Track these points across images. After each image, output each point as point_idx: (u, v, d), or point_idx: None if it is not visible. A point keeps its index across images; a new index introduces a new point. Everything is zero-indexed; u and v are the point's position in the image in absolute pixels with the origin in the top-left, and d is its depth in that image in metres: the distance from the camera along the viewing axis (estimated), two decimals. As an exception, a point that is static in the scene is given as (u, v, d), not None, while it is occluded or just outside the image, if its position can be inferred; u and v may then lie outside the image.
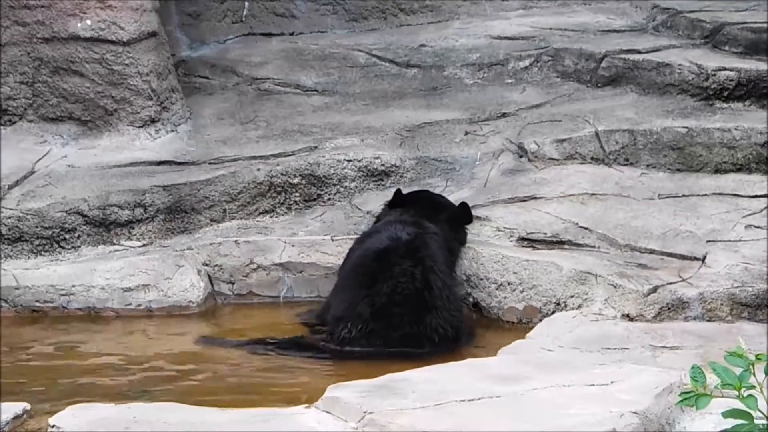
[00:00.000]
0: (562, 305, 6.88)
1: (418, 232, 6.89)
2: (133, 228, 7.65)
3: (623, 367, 5.18)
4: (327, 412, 4.49)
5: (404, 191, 7.49)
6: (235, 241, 7.55)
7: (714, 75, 8.28)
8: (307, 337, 6.89)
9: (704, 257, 6.96)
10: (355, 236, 7.40)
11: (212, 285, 7.43)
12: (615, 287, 6.71)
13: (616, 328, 6.49)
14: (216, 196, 7.78)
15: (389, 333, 6.60)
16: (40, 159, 8.02)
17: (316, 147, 8.12)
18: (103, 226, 7.61)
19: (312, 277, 7.45)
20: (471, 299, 7.16)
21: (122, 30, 8.15)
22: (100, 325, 7.09)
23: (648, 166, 7.83)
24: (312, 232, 7.62)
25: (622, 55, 8.68)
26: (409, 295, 6.65)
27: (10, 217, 7.48)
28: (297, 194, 7.88)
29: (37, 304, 7.22)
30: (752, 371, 4.18)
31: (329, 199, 7.91)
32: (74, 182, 7.79)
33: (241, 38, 9.62)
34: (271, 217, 7.85)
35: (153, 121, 8.28)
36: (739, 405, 4.14)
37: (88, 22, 8.11)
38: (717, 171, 7.74)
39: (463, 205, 7.40)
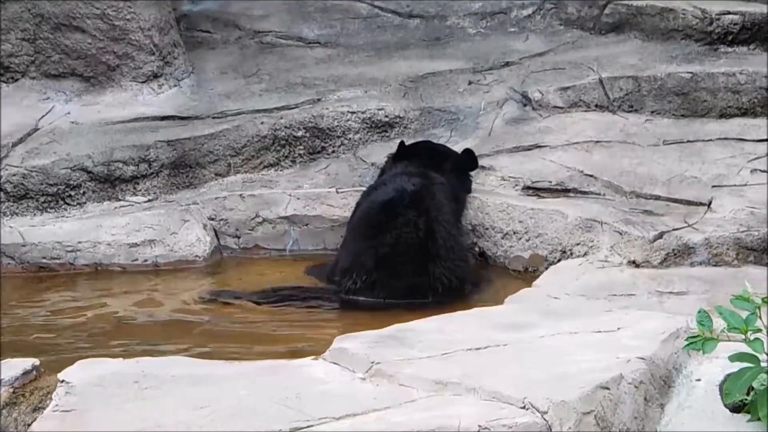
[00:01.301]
0: (568, 253, 6.88)
1: (424, 183, 6.89)
2: (138, 183, 7.66)
3: (630, 313, 5.18)
4: (334, 363, 4.50)
5: (407, 143, 7.48)
6: (240, 195, 7.55)
7: (718, 19, 8.24)
8: (314, 288, 6.91)
9: (710, 202, 6.96)
10: (360, 188, 7.41)
11: (218, 239, 7.44)
12: (621, 234, 6.72)
13: (622, 275, 6.50)
14: (220, 150, 7.78)
15: (393, 283, 6.62)
16: (43, 116, 8.02)
17: (319, 99, 8.11)
18: (108, 182, 7.62)
19: (318, 229, 7.46)
20: (477, 249, 7.17)
21: (123, -16, 8.12)
22: (107, 280, 7.11)
23: (652, 112, 7.82)
24: (317, 185, 7.62)
25: (626, 1, 8.65)
26: (413, 245, 6.66)
27: (15, 175, 7.49)
28: (301, 147, 7.88)
29: (44, 260, 7.23)
30: (758, 315, 4.19)
31: (333, 152, 7.90)
32: (78, 139, 7.79)
33: (242, -9, 9.58)
34: (275, 170, 7.84)
35: (156, 76, 8.26)
36: (745, 348, 4.16)
37: (88, -23, 8.09)
38: (722, 116, 7.73)
39: (467, 151, 7.39)
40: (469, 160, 7.35)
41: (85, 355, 4.76)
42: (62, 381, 4.34)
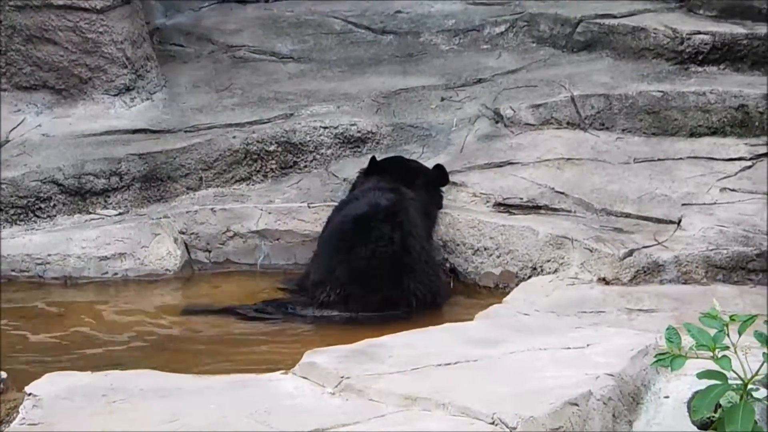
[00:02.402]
0: (539, 270, 6.90)
1: (397, 198, 6.90)
2: (108, 196, 7.63)
3: (599, 330, 5.21)
4: (304, 377, 4.50)
5: (379, 158, 7.48)
6: (212, 209, 7.54)
7: (689, 39, 8.30)
8: (284, 302, 6.90)
9: (679, 220, 6.99)
10: (332, 203, 7.40)
11: (189, 253, 7.42)
12: (591, 251, 6.74)
13: (592, 292, 6.52)
14: (192, 164, 7.76)
15: (367, 297, 6.62)
16: (14, 128, 7.98)
17: (292, 114, 8.11)
18: (79, 195, 7.59)
19: (289, 244, 7.45)
20: (448, 265, 7.18)
21: (95, -3, 8.11)
22: (77, 293, 7.08)
23: (623, 130, 7.85)
24: (288, 200, 7.61)
25: (598, 20, 8.69)
26: (387, 259, 6.66)
27: (-16, 187, 7.45)
28: (273, 162, 7.87)
29: (13, 273, 7.19)
30: (726, 332, 4.21)
31: (305, 167, 7.90)
32: (49, 151, 7.76)
33: (216, 5, 9.58)
34: (247, 184, 7.84)
35: (128, 89, 8.25)
36: (713, 366, 4.18)
37: (61, -11, 8.06)
38: (692, 135, 7.77)
39: (438, 167, 7.41)
40: (440, 175, 7.37)
41: (53, 368, 4.74)
42: (30, 394, 4.33)
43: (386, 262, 6.66)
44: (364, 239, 6.69)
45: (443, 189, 7.38)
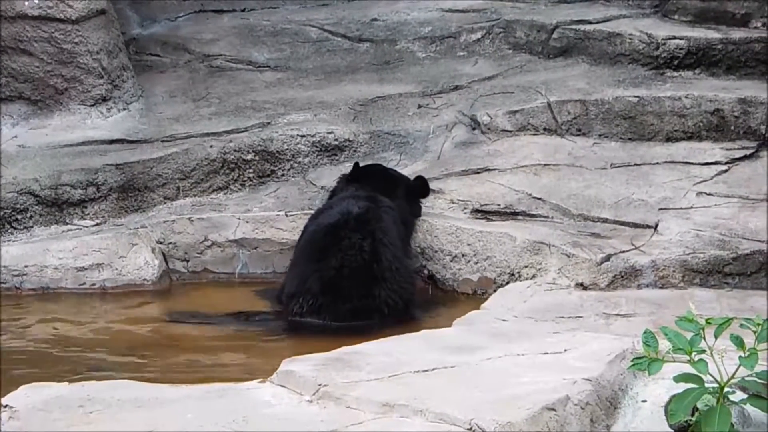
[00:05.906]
0: (517, 275, 6.91)
1: (370, 206, 6.88)
2: (86, 207, 7.61)
3: (576, 335, 5.21)
4: (282, 386, 4.49)
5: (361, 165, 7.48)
6: (189, 218, 7.53)
7: (664, 44, 8.33)
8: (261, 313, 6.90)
9: (656, 225, 7.02)
10: (310, 211, 7.40)
11: (167, 263, 7.41)
12: (568, 257, 6.75)
13: (569, 297, 6.53)
14: (169, 173, 7.75)
15: (338, 306, 6.61)
16: (-10, 139, 7.97)
17: (269, 123, 8.11)
18: (56, 206, 7.56)
19: (267, 252, 7.45)
20: (426, 271, 7.18)
21: (70, 8, 8.08)
22: (54, 304, 7.05)
23: (600, 135, 7.87)
24: (266, 208, 7.61)
25: (573, 26, 8.72)
26: (357, 267, 6.65)
27: (-40, 199, 7.42)
28: (250, 170, 7.87)
29: (-10, 284, 7.17)
30: (703, 336, 4.23)
31: (283, 175, 7.90)
32: (25, 162, 7.74)
33: (192, 15, 9.58)
34: (225, 193, 7.83)
35: (104, 99, 8.23)
36: (690, 369, 4.19)
37: (36, 0, 8.03)
38: (668, 139, 7.79)
39: (420, 178, 7.39)
40: (421, 186, 7.35)
41: (29, 380, 4.72)
42: (6, 406, 4.31)
43: (357, 271, 6.65)
44: (335, 248, 6.68)
45: (423, 200, 7.36)
